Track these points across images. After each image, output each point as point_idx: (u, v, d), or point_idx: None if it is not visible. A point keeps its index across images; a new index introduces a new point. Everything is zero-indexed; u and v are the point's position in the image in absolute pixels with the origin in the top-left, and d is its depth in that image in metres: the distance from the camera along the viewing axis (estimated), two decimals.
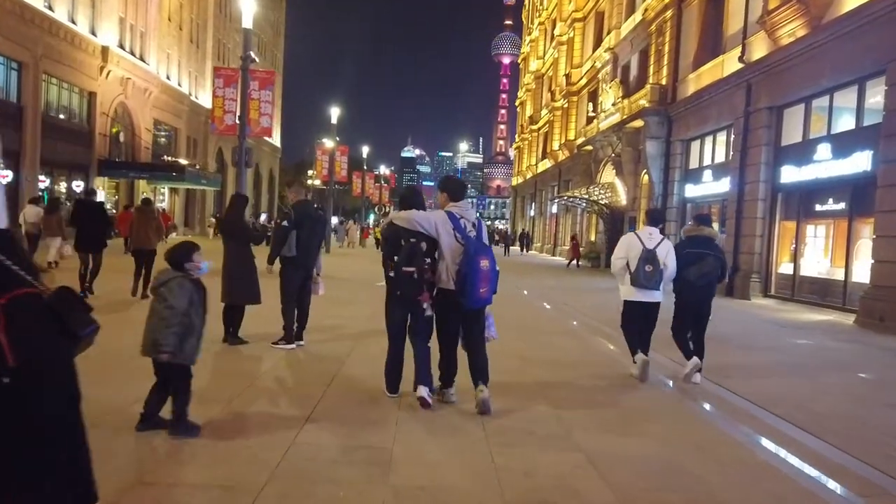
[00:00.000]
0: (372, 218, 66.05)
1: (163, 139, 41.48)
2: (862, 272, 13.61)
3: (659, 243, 6.49)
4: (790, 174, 16.04)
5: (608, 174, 29.61)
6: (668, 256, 6.50)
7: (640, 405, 5.71)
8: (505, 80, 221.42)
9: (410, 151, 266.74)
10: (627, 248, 6.55)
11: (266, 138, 62.61)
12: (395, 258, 4.97)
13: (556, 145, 42.14)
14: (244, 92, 15.75)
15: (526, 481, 3.78)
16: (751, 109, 17.38)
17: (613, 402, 5.75)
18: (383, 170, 72.85)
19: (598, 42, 34.96)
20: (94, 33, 31.45)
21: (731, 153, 18.61)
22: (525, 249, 46.58)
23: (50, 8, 27.74)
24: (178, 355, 4.00)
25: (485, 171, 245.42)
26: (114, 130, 34.61)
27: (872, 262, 12.69)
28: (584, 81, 37.61)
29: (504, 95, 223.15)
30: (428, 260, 4.99)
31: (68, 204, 26.27)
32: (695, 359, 6.50)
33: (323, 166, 38.67)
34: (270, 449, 3.99)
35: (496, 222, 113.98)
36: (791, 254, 16.50)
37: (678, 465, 4.22)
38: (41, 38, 26.99)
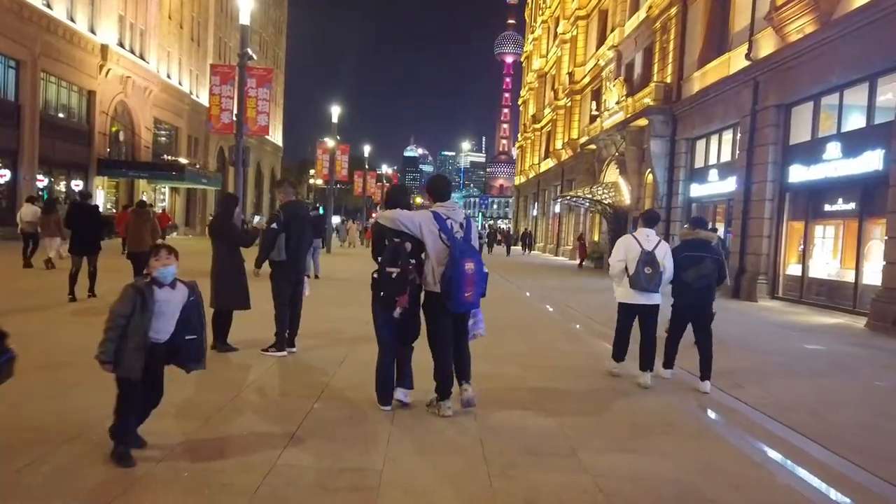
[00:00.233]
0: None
1: (163, 138, 41.24)
2: (873, 274, 13.26)
3: (657, 245, 6.42)
4: (798, 173, 15.69)
5: (612, 173, 29.26)
6: (666, 258, 6.43)
7: (647, 417, 5.39)
8: (508, 80, 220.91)
9: (413, 151, 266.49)
10: (626, 251, 6.45)
11: (268, 138, 62.44)
12: (380, 258, 4.83)
13: (559, 144, 41.79)
14: (241, 89, 15.47)
15: None
16: (758, 107, 17.03)
17: (620, 414, 5.44)
18: (385, 169, 72.51)
19: (601, 40, 34.60)
20: (93, 31, 31.21)
21: (738, 152, 18.26)
22: (527, 249, 46.25)
23: (48, 6, 27.51)
24: (119, 366, 3.66)
25: (487, 170, 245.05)
26: (113, 129, 34.37)
27: (884, 263, 12.34)
28: (587, 80, 37.26)
29: (507, 95, 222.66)
30: (413, 261, 4.81)
31: (66, 204, 26.05)
32: (669, 371, 6.76)
33: (324, 165, 38.39)
34: (249, 472, 3.68)
35: (499, 222, 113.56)
36: (799, 255, 16.14)
37: (692, 489, 3.90)
38: (39, 36, 26.77)
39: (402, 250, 4.78)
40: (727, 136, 19.86)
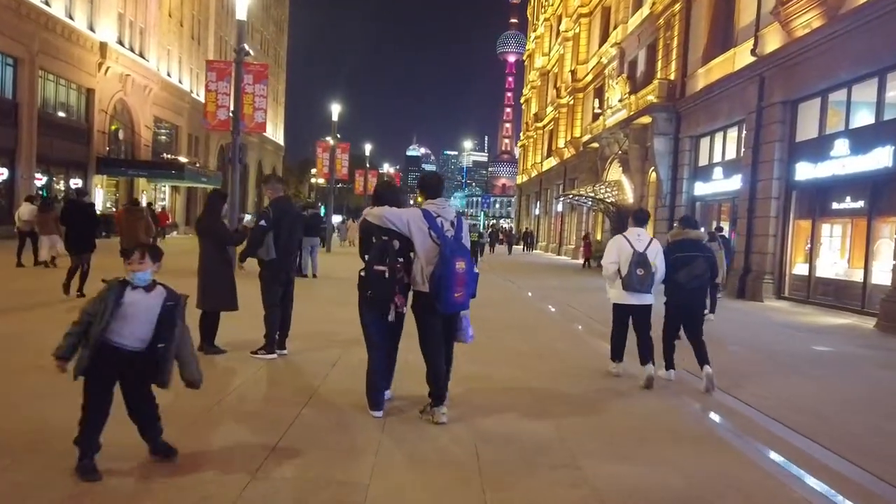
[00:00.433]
0: None
1: (163, 137, 41.03)
2: (882, 274, 12.98)
3: (648, 245, 6.38)
4: (805, 171, 15.39)
5: (615, 172, 28.99)
6: (657, 258, 6.38)
7: (650, 422, 5.13)
8: (510, 79, 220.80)
9: (416, 150, 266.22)
10: (618, 252, 6.41)
11: (269, 136, 62.23)
12: (367, 257, 4.67)
13: (561, 143, 41.50)
14: (238, 86, 15.23)
15: None
16: (764, 104, 16.73)
17: (621, 419, 5.18)
18: (387, 168, 72.29)
19: (604, 37, 34.30)
20: (92, 29, 31.00)
21: (743, 150, 17.96)
22: (528, 248, 46.04)
23: (47, 3, 27.29)
24: (76, 367, 3.40)
25: (490, 169, 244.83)
26: (113, 128, 34.16)
27: (894, 263, 12.08)
28: (590, 78, 36.97)
29: (509, 94, 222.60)
30: (401, 259, 4.63)
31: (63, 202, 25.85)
32: (671, 371, 6.56)
33: (324, 164, 38.15)
34: (226, 486, 3.42)
35: (501, 221, 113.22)
36: (806, 254, 15.84)
37: (701, 502, 3.64)
38: (37, 34, 26.56)
39: (390, 248, 4.61)
40: (732, 133, 19.57)
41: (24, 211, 16.04)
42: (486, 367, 6.81)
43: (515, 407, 5.33)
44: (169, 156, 39.56)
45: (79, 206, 11.20)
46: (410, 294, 4.79)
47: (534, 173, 52.17)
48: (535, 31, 55.80)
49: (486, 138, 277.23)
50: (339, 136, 33.88)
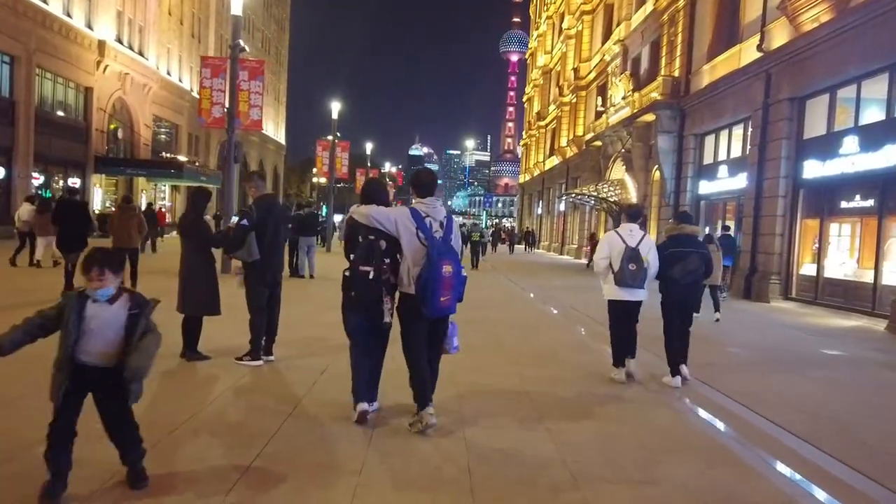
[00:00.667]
0: None
1: (163, 136, 40.77)
2: (893, 274, 12.66)
3: (641, 240, 6.33)
4: (813, 169, 15.03)
5: (618, 170, 28.63)
6: (650, 253, 6.33)
7: (659, 438, 4.78)
8: (513, 78, 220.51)
9: (418, 150, 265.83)
10: (610, 247, 6.38)
11: (271, 136, 62.01)
12: (352, 256, 4.49)
13: (563, 141, 41.14)
14: (233, 82, 14.93)
15: None
16: (770, 101, 16.36)
17: (627, 433, 4.83)
18: (389, 167, 72.02)
19: (607, 34, 33.94)
20: (90, 27, 30.74)
21: (749, 147, 17.61)
22: (530, 248, 45.73)
23: (44, 0, 27.02)
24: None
25: (492, 169, 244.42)
26: (112, 127, 33.91)
27: None
28: (592, 75, 36.61)
29: (512, 93, 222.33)
30: (387, 260, 4.43)
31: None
32: (678, 378, 6.37)
33: (323, 162, 37.84)
34: None
35: (504, 220, 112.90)
36: (814, 254, 15.47)
37: None
38: (34, 31, 26.31)
39: (376, 248, 4.40)
40: (737, 131, 19.21)
41: (24, 211, 15.88)
42: (483, 372, 6.50)
43: (513, 418, 5.01)
44: (168, 155, 39.30)
45: (70, 205, 11.13)
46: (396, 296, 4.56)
47: (536, 172, 51.84)
48: (537, 29, 55.47)
49: (489, 138, 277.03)
50: (339, 134, 33.57)
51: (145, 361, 3.16)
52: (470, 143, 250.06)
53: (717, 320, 11.52)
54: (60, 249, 10.72)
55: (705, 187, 21.19)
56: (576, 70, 38.93)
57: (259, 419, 4.61)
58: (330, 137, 32.55)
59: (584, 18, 37.89)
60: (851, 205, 14.24)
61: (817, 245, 15.32)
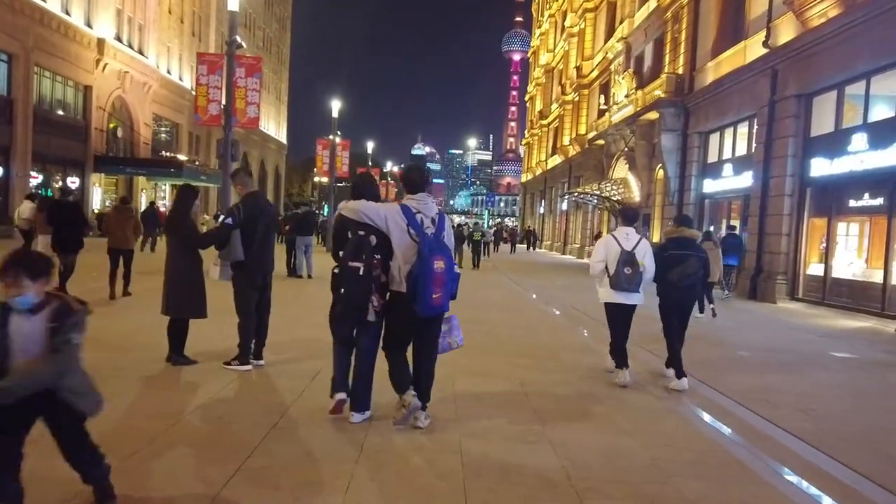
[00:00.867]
0: None
1: (163, 135, 40.54)
2: None
3: (637, 244, 6.30)
4: (821, 167, 14.75)
5: (621, 169, 28.35)
6: (646, 257, 6.29)
7: (671, 450, 4.49)
8: (515, 77, 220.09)
9: (420, 149, 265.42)
10: (606, 250, 6.35)
11: (272, 135, 61.83)
12: (341, 253, 4.37)
13: (566, 140, 40.85)
14: (230, 79, 14.68)
15: None
16: (776, 98, 16.08)
17: (636, 444, 4.56)
18: (391, 167, 71.78)
19: (610, 32, 33.65)
20: (89, 25, 30.50)
21: (755, 145, 17.32)
22: (531, 247, 45.43)
23: None
24: None
25: (495, 168, 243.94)
26: (111, 125, 33.68)
27: None
28: (595, 74, 36.31)
29: (514, 92, 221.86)
30: (377, 256, 4.30)
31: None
32: (684, 380, 6.24)
33: (324, 161, 37.60)
34: None
35: (506, 220, 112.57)
36: (821, 254, 15.18)
37: None
38: (32, 29, 26.08)
39: (366, 244, 4.28)
40: (742, 128, 18.93)
41: (25, 209, 15.72)
42: (482, 377, 6.25)
43: (513, 427, 4.76)
44: (169, 154, 39.07)
45: (63, 206, 10.92)
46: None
47: (538, 171, 51.54)
48: (539, 27, 55.17)
49: (491, 137, 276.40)
50: (339, 133, 33.30)
51: (91, 399, 2.86)
52: (472, 143, 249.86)
53: (714, 313, 11.80)
54: (55, 250, 10.51)
55: (710, 186, 20.91)
56: (578, 68, 38.64)
57: (242, 430, 4.35)
58: (331, 136, 32.30)
59: (587, 16, 37.59)
60: (860, 203, 13.96)
61: (825, 245, 15.04)
